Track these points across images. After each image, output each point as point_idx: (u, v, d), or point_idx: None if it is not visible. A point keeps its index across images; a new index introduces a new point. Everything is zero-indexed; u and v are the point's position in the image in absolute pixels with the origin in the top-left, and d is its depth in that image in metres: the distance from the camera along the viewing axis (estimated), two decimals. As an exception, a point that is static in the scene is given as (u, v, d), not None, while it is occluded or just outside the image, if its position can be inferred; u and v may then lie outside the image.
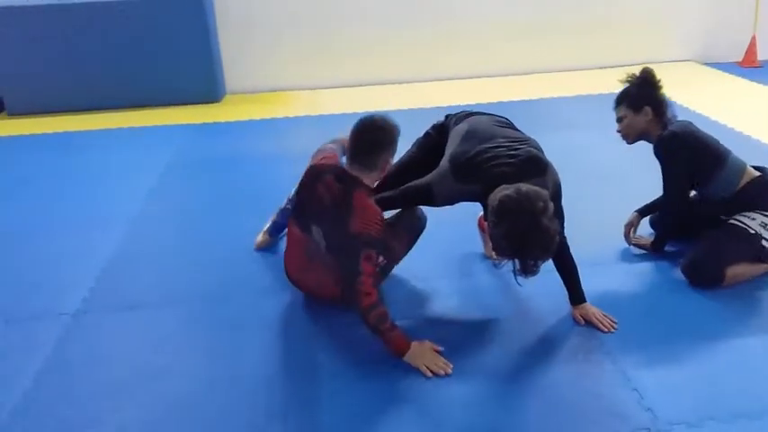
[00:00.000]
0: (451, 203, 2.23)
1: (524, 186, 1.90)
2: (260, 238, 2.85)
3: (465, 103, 5.01)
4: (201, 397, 1.96)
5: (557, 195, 2.12)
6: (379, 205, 2.17)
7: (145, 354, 2.18)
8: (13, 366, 2.12)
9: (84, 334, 2.29)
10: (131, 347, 2.22)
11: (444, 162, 2.20)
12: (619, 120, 2.54)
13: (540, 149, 2.19)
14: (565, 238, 2.16)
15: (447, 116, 2.52)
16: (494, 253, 2.65)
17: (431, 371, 1.98)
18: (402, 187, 2.29)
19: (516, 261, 1.94)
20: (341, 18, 5.73)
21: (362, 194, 2.15)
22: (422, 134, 2.57)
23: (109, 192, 3.61)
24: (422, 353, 2.03)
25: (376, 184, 2.28)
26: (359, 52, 5.82)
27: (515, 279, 2.00)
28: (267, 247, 2.83)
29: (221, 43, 5.59)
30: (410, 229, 2.41)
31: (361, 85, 5.78)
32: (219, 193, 3.54)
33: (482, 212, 2.74)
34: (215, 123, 4.89)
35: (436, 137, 2.46)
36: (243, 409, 1.90)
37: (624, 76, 2.52)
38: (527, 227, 1.85)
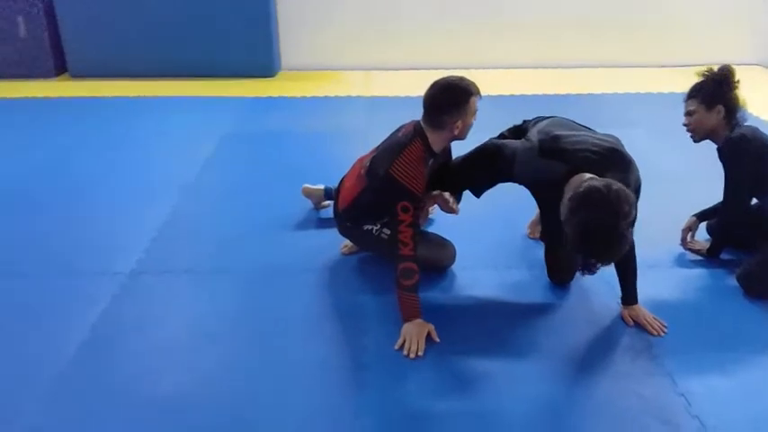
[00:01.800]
0: (525, 180, 2.19)
1: (616, 184, 1.83)
2: (312, 187, 2.95)
3: (520, 93, 4.97)
4: (244, 363, 2.01)
5: (636, 193, 2.08)
6: (455, 164, 2.33)
7: (194, 317, 2.24)
8: (70, 319, 2.21)
9: (138, 293, 2.37)
10: (183, 310, 2.29)
11: (531, 137, 2.18)
12: (688, 113, 2.46)
13: (622, 146, 2.14)
14: (632, 235, 2.13)
15: (524, 121, 2.49)
16: (533, 231, 2.68)
17: (403, 345, 2.03)
18: (483, 144, 2.30)
19: (577, 254, 1.91)
20: (399, 0, 5.70)
21: (418, 147, 2.20)
22: (495, 135, 2.54)
23: (165, 158, 3.70)
24: (417, 330, 2.07)
25: (441, 148, 2.28)
26: (414, 36, 5.78)
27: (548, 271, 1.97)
28: (312, 199, 2.95)
29: (279, 20, 5.62)
30: (431, 253, 2.40)
31: (415, 69, 5.75)
32: (272, 166, 3.59)
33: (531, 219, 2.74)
34: (269, 98, 4.95)
35: (511, 138, 2.41)
36: (287, 378, 1.94)
37: (701, 70, 2.43)
38: (605, 225, 1.79)
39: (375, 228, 2.40)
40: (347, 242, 2.63)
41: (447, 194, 2.44)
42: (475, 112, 2.22)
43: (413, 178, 2.16)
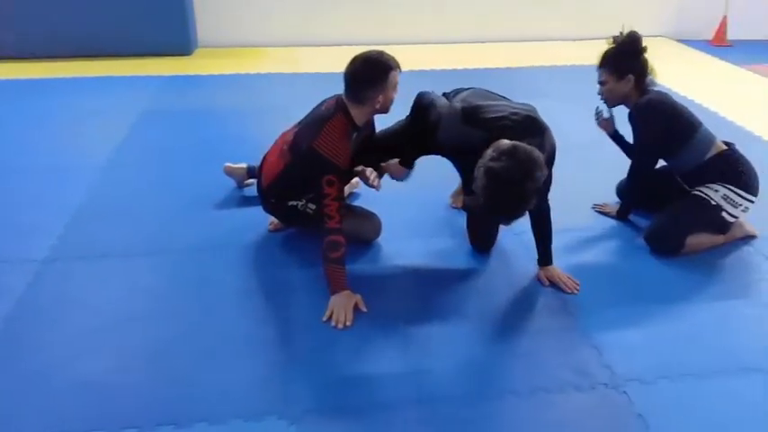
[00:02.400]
0: (447, 145, 2.23)
1: (525, 146, 1.90)
2: (235, 165, 2.91)
3: (440, 68, 5.04)
4: (167, 344, 1.98)
5: (551, 158, 2.17)
6: (379, 138, 2.40)
7: (116, 301, 2.18)
8: (-19, 309, 2.11)
9: (54, 281, 2.28)
10: (102, 295, 2.22)
11: (453, 106, 2.23)
12: (601, 83, 2.57)
13: (538, 114, 2.22)
14: (548, 201, 2.24)
15: (444, 93, 2.51)
16: (456, 200, 2.76)
17: (332, 317, 2.07)
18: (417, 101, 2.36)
19: (483, 202, 1.95)
20: (319, -26, 5.63)
21: (341, 121, 2.22)
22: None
23: (78, 140, 3.54)
24: (344, 301, 2.11)
25: (364, 121, 2.30)
26: (339, 11, 5.73)
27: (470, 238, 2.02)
28: (234, 177, 2.92)
29: (194, -6, 5.45)
30: (357, 226, 2.45)
31: (336, 45, 5.71)
32: (191, 145, 3.50)
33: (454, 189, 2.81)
34: (186, 76, 4.80)
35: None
36: (214, 355, 1.93)
37: (609, 38, 2.54)
38: (511, 180, 1.85)
39: (300, 203, 2.40)
40: (274, 219, 2.62)
41: (368, 170, 2.46)
42: (396, 86, 2.25)
43: (337, 152, 2.17)
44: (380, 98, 2.22)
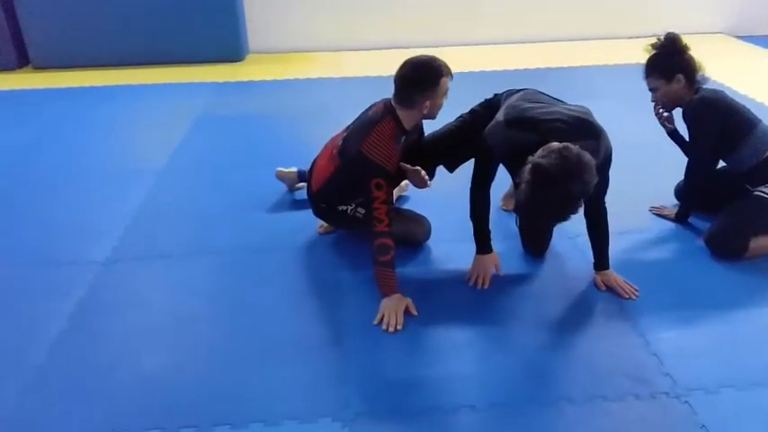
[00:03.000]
0: (498, 151, 2.16)
1: (576, 148, 1.82)
2: (286, 170, 2.95)
3: (490, 69, 5.00)
4: (224, 343, 2.02)
5: (607, 161, 2.11)
6: (427, 141, 2.41)
7: (174, 301, 2.24)
8: (48, 308, 2.20)
9: (114, 281, 2.36)
10: (160, 294, 2.28)
11: (498, 115, 2.19)
12: (652, 90, 2.51)
13: (593, 116, 2.15)
14: (605, 204, 2.19)
15: (495, 95, 2.49)
16: (507, 203, 2.72)
17: (382, 320, 2.07)
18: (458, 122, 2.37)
19: (525, 198, 1.86)
20: (366, -21, 5.67)
21: (389, 124, 2.22)
22: (467, 111, 2.55)
23: (136, 145, 3.66)
24: (395, 304, 2.10)
25: (412, 125, 2.30)
26: (383, 15, 5.76)
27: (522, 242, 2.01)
28: (285, 181, 2.96)
29: (245, 2, 5.55)
30: (406, 229, 2.44)
31: (384, 49, 5.73)
32: (244, 150, 3.57)
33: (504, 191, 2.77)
34: (238, 82, 4.90)
35: (483, 113, 2.41)
36: (268, 356, 1.96)
37: (647, 46, 2.48)
38: (565, 174, 1.78)
39: (350, 208, 2.42)
40: (323, 222, 2.64)
41: (422, 171, 2.45)
42: (445, 93, 2.23)
43: (385, 155, 2.18)
44: (428, 103, 2.21)
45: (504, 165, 2.28)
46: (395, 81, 2.23)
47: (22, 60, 5.34)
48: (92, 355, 1.98)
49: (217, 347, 2.01)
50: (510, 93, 2.39)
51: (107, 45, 5.25)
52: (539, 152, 1.85)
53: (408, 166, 2.37)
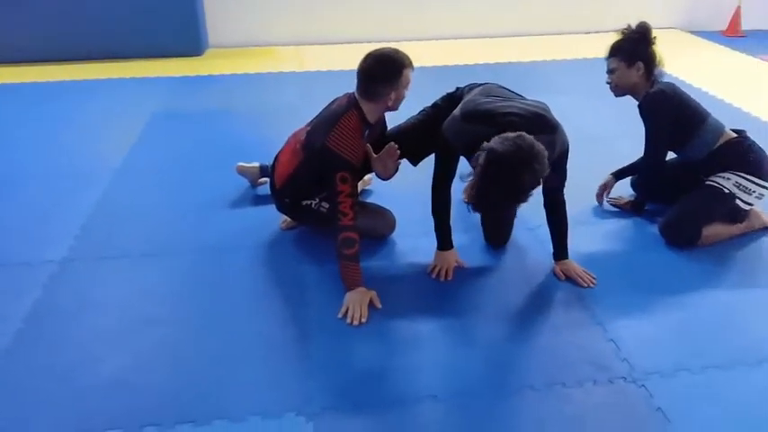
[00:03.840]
0: (457, 145, 2.19)
1: (529, 138, 1.86)
2: (247, 165, 2.93)
3: (452, 63, 5.03)
4: (187, 343, 2.00)
5: (564, 155, 2.15)
6: (391, 135, 2.39)
7: (133, 302, 2.20)
8: (2, 310, 2.13)
9: (72, 281, 2.30)
10: (120, 295, 2.23)
11: (456, 110, 2.21)
12: (610, 71, 2.57)
13: (550, 112, 2.18)
14: (563, 196, 2.24)
15: (457, 88, 2.51)
16: (469, 195, 2.74)
17: (347, 314, 2.07)
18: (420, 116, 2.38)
19: (480, 184, 1.90)
20: (327, -27, 5.64)
21: (353, 117, 2.22)
22: (429, 104, 2.56)
23: (93, 142, 3.57)
24: (359, 297, 2.11)
25: (376, 118, 2.30)
26: (344, 10, 5.74)
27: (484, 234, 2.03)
28: (247, 176, 2.93)
29: (204, -5, 5.47)
30: (371, 223, 2.44)
31: (345, 43, 5.71)
32: (201, 146, 3.51)
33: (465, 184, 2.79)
34: (197, 77, 4.82)
35: (446, 107, 2.42)
36: (231, 354, 1.94)
37: (621, 28, 2.54)
38: (517, 163, 1.81)
39: (314, 202, 2.41)
40: (286, 218, 2.62)
41: (394, 145, 2.39)
42: (408, 84, 2.24)
43: (350, 148, 2.18)
44: (393, 95, 2.21)
45: (465, 158, 2.30)
46: (358, 74, 2.23)
47: (-31, 56, 5.15)
48: (50, 358, 1.92)
49: (178, 348, 1.98)
50: (471, 86, 2.41)
51: (61, 39, 5.09)
52: (494, 138, 1.88)
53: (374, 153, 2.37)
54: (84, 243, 2.54)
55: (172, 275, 2.35)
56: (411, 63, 2.23)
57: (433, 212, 2.32)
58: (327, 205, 2.34)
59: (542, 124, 2.10)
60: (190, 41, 5.31)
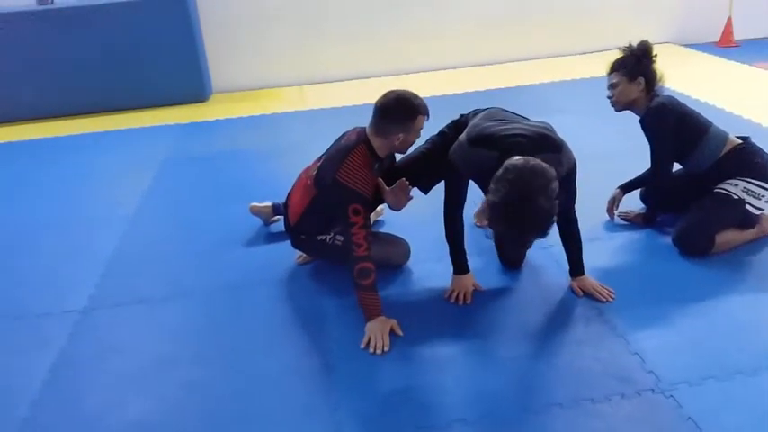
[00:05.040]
0: (464, 170, 2.21)
1: (534, 160, 1.86)
2: (260, 205, 2.94)
3: (453, 92, 5.11)
4: (212, 382, 2.01)
5: (571, 173, 2.16)
6: (401, 166, 2.46)
7: (155, 344, 2.22)
8: (28, 361, 2.16)
9: (94, 328, 2.33)
10: (141, 339, 2.26)
11: (462, 135, 2.24)
12: (612, 86, 2.61)
13: (554, 131, 2.20)
14: (575, 212, 2.26)
15: (461, 115, 2.55)
16: (480, 219, 2.76)
17: (368, 344, 2.08)
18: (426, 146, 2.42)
19: (503, 232, 1.94)
20: (323, 13, 5.75)
21: (362, 151, 2.26)
22: (436, 133, 2.60)
23: (106, 192, 3.63)
24: (380, 326, 2.12)
25: (385, 154, 2.34)
26: (342, 47, 5.85)
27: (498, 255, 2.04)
28: (261, 216, 2.95)
29: (206, 43, 5.60)
30: (385, 252, 2.47)
31: (346, 80, 5.82)
32: (216, 188, 3.57)
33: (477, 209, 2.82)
34: (203, 122, 4.91)
35: (452, 135, 2.45)
36: (256, 390, 1.95)
37: (623, 46, 2.60)
38: (521, 199, 1.80)
39: (328, 237, 2.44)
40: (302, 253, 2.65)
41: (404, 180, 2.43)
42: (419, 131, 2.30)
43: (360, 181, 2.21)
44: (401, 136, 2.26)
45: (475, 182, 2.33)
46: (375, 108, 2.28)
47: (-19, 117, 5.28)
48: (77, 404, 1.94)
49: (203, 387, 1.99)
50: (476, 112, 2.46)
51: (69, 95, 5.22)
52: (491, 186, 1.87)
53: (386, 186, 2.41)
54: (103, 290, 2.57)
55: (191, 316, 2.37)
56: (427, 112, 2.29)
57: (448, 239, 2.34)
58: (342, 238, 2.37)
59: (547, 144, 2.12)
60: (194, 88, 5.43)
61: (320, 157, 2.46)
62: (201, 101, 5.46)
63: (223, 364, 2.09)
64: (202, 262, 2.74)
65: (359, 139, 2.29)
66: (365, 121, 2.34)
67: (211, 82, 5.71)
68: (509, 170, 1.85)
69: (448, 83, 5.42)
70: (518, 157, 1.90)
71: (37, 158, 4.31)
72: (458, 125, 2.52)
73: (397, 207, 2.44)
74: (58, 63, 5.13)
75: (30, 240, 3.07)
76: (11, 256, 2.94)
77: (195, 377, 2.03)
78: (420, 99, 2.28)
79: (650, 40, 2.64)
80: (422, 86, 5.43)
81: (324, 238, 2.45)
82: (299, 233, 2.50)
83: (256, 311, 2.36)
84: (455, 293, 2.32)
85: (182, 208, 3.34)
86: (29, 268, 2.80)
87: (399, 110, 2.24)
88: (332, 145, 2.45)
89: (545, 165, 1.87)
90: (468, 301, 2.30)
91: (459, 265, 2.35)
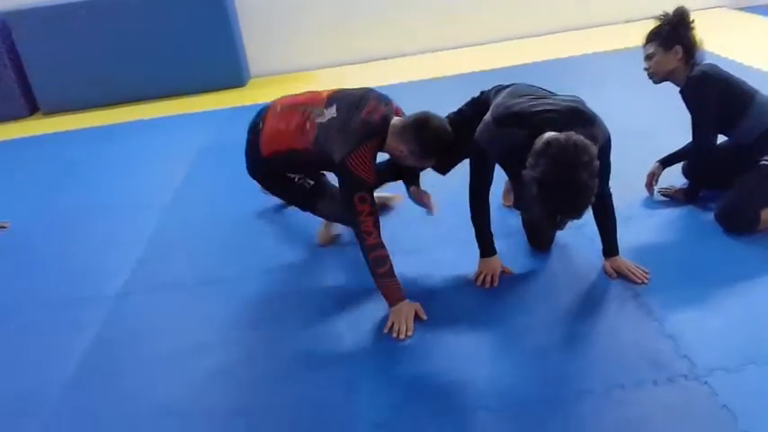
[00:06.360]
0: (491, 151, 2.14)
1: (576, 136, 1.80)
2: (328, 233, 2.74)
3: (488, 68, 4.98)
4: (241, 367, 2.03)
5: (605, 147, 2.07)
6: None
7: (186, 330, 2.26)
8: (62, 346, 2.23)
9: (126, 314, 2.39)
10: (172, 325, 2.30)
11: (486, 115, 2.15)
12: (648, 57, 2.48)
13: (585, 105, 2.11)
14: (609, 190, 2.17)
15: (482, 92, 2.45)
16: (508, 199, 2.69)
17: (391, 328, 2.05)
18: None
19: (541, 211, 1.87)
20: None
21: (375, 145, 2.20)
22: (454, 111, 2.50)
23: (145, 178, 3.71)
24: (404, 311, 2.08)
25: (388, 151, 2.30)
26: (378, 27, 5.80)
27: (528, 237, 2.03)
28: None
29: (242, 28, 5.64)
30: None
31: (382, 59, 5.76)
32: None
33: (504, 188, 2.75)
34: (242, 107, 4.93)
35: (470, 113, 2.38)
36: (283, 377, 1.96)
37: (658, 14, 2.47)
38: (564, 175, 1.75)
39: (299, 177, 2.42)
40: (323, 234, 2.65)
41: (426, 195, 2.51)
42: (421, 165, 2.30)
43: (366, 170, 2.17)
44: (406, 152, 2.20)
45: (500, 164, 2.26)
46: (416, 118, 2.19)
47: (32, 108, 5.48)
48: (109, 388, 2.00)
49: (231, 372, 2.01)
50: (498, 89, 2.35)
51: (111, 84, 5.35)
52: (529, 161, 1.82)
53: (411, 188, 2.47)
54: (138, 277, 2.63)
55: (221, 303, 2.39)
56: (433, 157, 2.24)
57: (474, 221, 2.28)
58: (312, 182, 2.36)
59: (579, 118, 2.03)
60: (233, 74, 5.48)
61: (329, 101, 2.35)
62: (240, 86, 5.51)
63: (249, 349, 2.11)
64: (238, 248, 2.76)
65: (379, 127, 2.22)
66: (403, 100, 2.27)
67: (249, 67, 5.74)
68: (551, 144, 1.79)
69: (479, 59, 5.29)
70: (557, 133, 1.83)
71: (82, 148, 4.44)
72: (477, 103, 2.42)
73: (423, 204, 2.49)
74: (97, 53, 5.26)
75: (74, 226, 3.17)
76: (55, 241, 3.05)
77: (222, 362, 2.06)
78: (447, 128, 2.20)
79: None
80: (456, 64, 5.34)
81: (293, 176, 2.43)
82: (269, 165, 2.46)
83: (286, 296, 2.37)
84: (482, 276, 2.27)
85: (220, 194, 3.37)
86: (72, 254, 2.89)
87: (430, 136, 2.16)
88: (351, 99, 2.32)
89: (587, 141, 1.80)
90: (496, 284, 2.24)
91: (486, 247, 2.30)
